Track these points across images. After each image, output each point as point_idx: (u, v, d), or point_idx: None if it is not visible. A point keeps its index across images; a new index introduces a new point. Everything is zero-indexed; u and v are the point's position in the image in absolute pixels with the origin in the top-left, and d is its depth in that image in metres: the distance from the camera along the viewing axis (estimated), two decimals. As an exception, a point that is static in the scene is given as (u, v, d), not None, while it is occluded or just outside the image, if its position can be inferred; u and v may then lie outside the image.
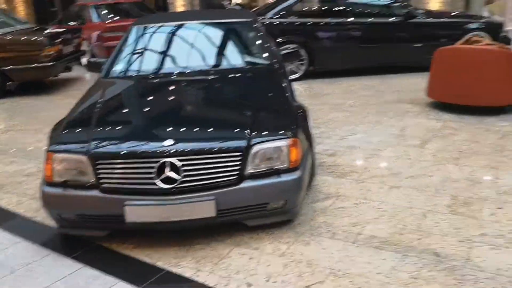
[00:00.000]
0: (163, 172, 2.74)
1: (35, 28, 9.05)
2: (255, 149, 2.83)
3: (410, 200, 3.38)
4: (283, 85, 3.73)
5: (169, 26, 4.48)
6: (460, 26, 7.83)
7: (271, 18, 7.73)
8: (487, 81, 5.24)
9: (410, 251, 2.75)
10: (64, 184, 2.87)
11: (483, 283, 2.43)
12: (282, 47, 7.31)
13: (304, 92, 6.98)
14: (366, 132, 4.95)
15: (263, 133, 2.92)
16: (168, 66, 4.09)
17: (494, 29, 7.65)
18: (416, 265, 2.61)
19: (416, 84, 6.84)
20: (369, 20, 7.93)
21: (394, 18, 7.85)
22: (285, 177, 2.88)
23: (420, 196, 3.43)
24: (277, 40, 6.97)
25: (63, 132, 3.09)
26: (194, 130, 3.04)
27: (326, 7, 8.11)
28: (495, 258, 2.63)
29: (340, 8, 7.96)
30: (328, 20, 7.80)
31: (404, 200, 3.39)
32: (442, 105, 5.65)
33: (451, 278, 2.49)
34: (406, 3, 8.44)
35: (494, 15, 10.20)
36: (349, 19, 7.81)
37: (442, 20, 8.22)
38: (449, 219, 3.09)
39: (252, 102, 3.38)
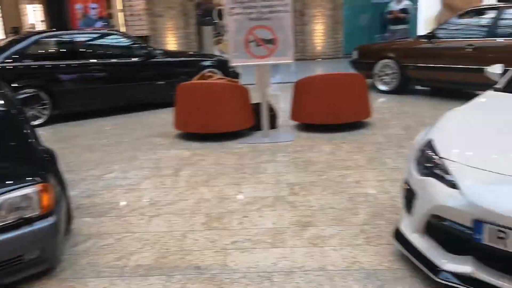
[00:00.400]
0: None
1: None
2: (-1, 200, 2.62)
3: (170, 225, 3.60)
4: (24, 130, 3.52)
5: None
6: (196, 63, 8.67)
7: (2, 62, 7.13)
8: (223, 110, 5.96)
9: (175, 270, 2.93)
10: None
11: (238, 282, 2.77)
12: (19, 92, 6.83)
13: (51, 136, 6.63)
14: (123, 169, 5.02)
15: (7, 182, 2.72)
16: None
17: (224, 66, 8.72)
18: (181, 282, 2.81)
19: (164, 119, 7.25)
20: (112, 61, 8.09)
21: (135, 58, 8.20)
22: (38, 225, 2.74)
23: (178, 219, 3.68)
24: (12, 85, 6.47)
25: None
26: None
27: (65, 49, 7.94)
28: (245, 259, 3.03)
29: (80, 50, 7.90)
30: (68, 62, 7.63)
31: (164, 226, 3.58)
32: (190, 135, 6.15)
33: (212, 285, 2.76)
34: (145, 44, 8.92)
35: (224, 53, 11.62)
36: (91, 61, 7.80)
37: (180, 59, 8.97)
38: (205, 234, 3.41)
39: (-10, 151, 3.10)
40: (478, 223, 2.30)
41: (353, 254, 3.03)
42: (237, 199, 4.05)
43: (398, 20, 10.53)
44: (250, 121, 6.19)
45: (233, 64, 6.02)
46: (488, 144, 2.71)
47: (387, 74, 8.50)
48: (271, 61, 5.78)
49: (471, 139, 2.79)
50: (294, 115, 6.40)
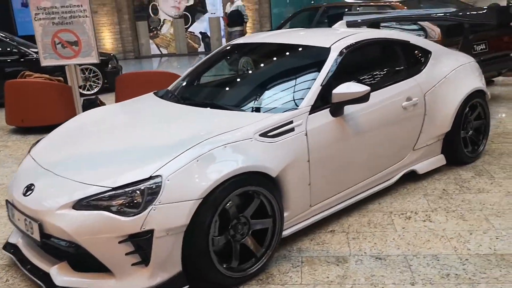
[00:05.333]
0: None
1: None
2: None
3: None
4: None
5: None
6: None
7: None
8: (43, 105, 6.58)
9: None
10: None
11: None
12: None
13: None
14: None
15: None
16: None
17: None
18: None
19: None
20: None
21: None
22: None
23: None
24: None
25: None
26: None
27: None
28: None
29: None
30: None
31: None
32: (24, 129, 6.81)
33: None
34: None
35: (160, 47, 12.08)
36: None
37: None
38: None
39: None
40: (8, 203, 2.90)
41: None
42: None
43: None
44: (73, 114, 6.78)
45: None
46: (59, 143, 3.24)
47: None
48: (77, 61, 6.37)
49: (57, 139, 3.33)
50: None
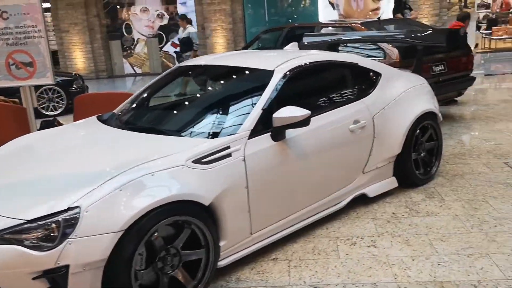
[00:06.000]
0: None
1: None
2: None
3: None
4: None
5: None
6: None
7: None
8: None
9: None
10: None
11: None
12: None
13: None
14: None
15: None
16: None
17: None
18: None
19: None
20: None
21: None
22: None
23: None
24: None
25: None
26: None
27: None
28: None
29: None
30: None
31: None
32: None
33: None
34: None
35: (134, 66, 11.95)
36: None
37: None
38: None
39: None
40: None
41: None
42: None
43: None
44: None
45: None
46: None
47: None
48: (32, 82, 6.20)
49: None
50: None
